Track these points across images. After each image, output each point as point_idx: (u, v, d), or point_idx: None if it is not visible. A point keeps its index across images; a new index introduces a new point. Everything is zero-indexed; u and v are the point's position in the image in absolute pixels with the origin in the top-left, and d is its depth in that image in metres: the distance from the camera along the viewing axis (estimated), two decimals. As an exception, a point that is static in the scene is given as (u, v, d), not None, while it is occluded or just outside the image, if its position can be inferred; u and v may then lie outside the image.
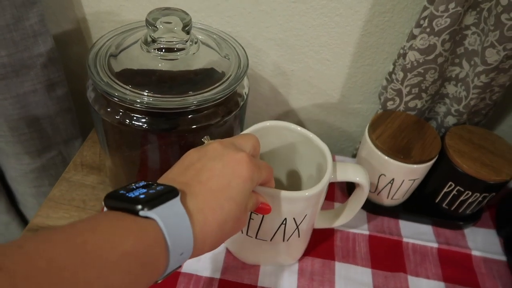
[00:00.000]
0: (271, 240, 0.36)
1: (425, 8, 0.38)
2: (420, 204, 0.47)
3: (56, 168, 0.56)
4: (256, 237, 0.37)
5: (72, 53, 0.54)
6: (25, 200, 0.59)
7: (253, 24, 0.46)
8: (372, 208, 0.47)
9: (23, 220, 0.65)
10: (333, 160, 0.47)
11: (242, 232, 0.37)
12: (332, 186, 0.50)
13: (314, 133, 0.37)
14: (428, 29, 0.39)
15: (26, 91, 0.46)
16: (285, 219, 0.34)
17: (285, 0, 0.44)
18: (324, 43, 0.47)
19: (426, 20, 0.38)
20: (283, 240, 0.37)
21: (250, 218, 0.35)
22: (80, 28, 0.51)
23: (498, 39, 0.36)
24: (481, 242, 0.46)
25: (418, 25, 0.40)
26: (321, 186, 0.33)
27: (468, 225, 0.47)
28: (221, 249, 0.42)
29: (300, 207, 0.34)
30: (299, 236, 0.37)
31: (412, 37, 0.41)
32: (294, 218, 0.34)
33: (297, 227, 0.35)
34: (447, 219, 0.46)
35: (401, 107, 0.46)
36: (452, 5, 0.37)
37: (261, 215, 0.34)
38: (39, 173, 0.55)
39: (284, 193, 0.32)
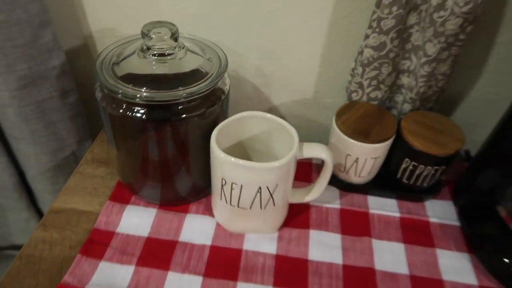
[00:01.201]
0: (250, 208, 0.44)
1: (374, 12, 0.46)
2: (385, 181, 0.54)
3: (70, 167, 0.63)
4: (238, 206, 0.44)
5: (80, 66, 0.62)
6: (43, 197, 0.67)
7: (234, 32, 0.54)
8: (343, 186, 0.54)
9: (42, 217, 0.72)
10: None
11: (227, 203, 0.44)
12: (309, 169, 0.58)
13: (294, 126, 0.44)
14: (377, 29, 0.46)
15: (44, 98, 0.55)
16: (260, 187, 0.41)
17: (260, 10, 0.52)
18: (296, 45, 0.55)
19: (375, 22, 0.46)
20: (261, 208, 0.44)
21: (231, 189, 0.42)
22: (87, 44, 0.60)
23: (434, 34, 0.44)
24: (439, 211, 0.53)
25: (370, 26, 0.47)
26: (288, 158, 0.40)
27: (428, 197, 0.54)
28: (211, 223, 0.49)
29: (271, 176, 0.41)
30: (274, 205, 0.44)
31: (366, 37, 0.48)
32: (267, 187, 0.42)
33: (271, 195, 0.43)
34: (409, 192, 0.53)
35: (364, 98, 0.54)
36: (394, 8, 0.44)
37: (240, 185, 0.41)
38: (55, 171, 0.62)
39: (258, 164, 0.40)
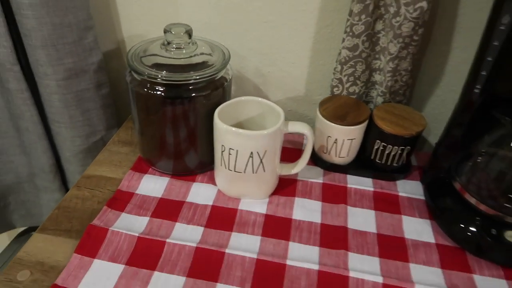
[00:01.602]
0: (244, 171, 0.54)
1: (347, 20, 0.58)
2: (363, 163, 0.64)
3: (98, 150, 0.74)
4: (234, 170, 0.54)
5: (112, 67, 0.75)
6: (74, 178, 0.78)
7: (238, 38, 0.67)
8: (327, 166, 0.64)
9: (70, 199, 0.83)
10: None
11: (226, 167, 0.54)
12: (299, 155, 0.67)
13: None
14: (351, 33, 0.58)
15: (83, 89, 0.67)
16: (251, 152, 0.52)
17: (259, 20, 0.64)
18: (289, 50, 0.66)
19: (349, 27, 0.58)
20: (253, 172, 0.54)
21: (229, 154, 0.53)
22: (119, 48, 0.73)
23: (393, 36, 0.55)
24: (408, 188, 0.61)
25: (345, 31, 0.59)
26: (274, 128, 0.51)
27: (400, 177, 0.63)
28: (213, 190, 0.59)
29: (260, 143, 0.51)
30: (264, 171, 0.54)
31: (343, 40, 0.60)
32: (257, 152, 0.52)
33: (261, 160, 0.53)
34: (383, 172, 0.62)
35: (344, 92, 0.64)
36: (363, 16, 0.56)
37: (236, 150, 0.52)
38: (86, 153, 0.74)
39: (250, 132, 0.50)
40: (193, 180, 0.61)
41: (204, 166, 0.62)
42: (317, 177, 0.63)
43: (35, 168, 0.78)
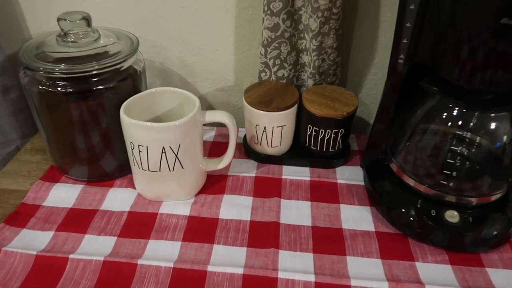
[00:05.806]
0: (160, 170, 0.48)
1: (265, -3, 0.53)
2: (299, 151, 0.59)
3: (16, 163, 0.67)
4: (148, 170, 0.48)
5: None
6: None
7: (155, 28, 0.61)
8: (261, 159, 0.59)
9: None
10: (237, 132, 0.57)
11: (139, 167, 0.49)
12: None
13: None
14: (269, 12, 0.53)
15: (-16, 95, 0.60)
16: (164, 148, 0.46)
17: (175, 6, 0.59)
18: (211, 37, 0.61)
19: (266, 5, 0.53)
20: (170, 170, 0.48)
21: (139, 151, 0.47)
22: (29, 48, 0.66)
23: (312, 10, 0.51)
24: (348, 175, 0.57)
25: (264, 10, 0.54)
26: (187, 118, 0.45)
27: (339, 163, 0.58)
28: (132, 193, 0.53)
29: (171, 136, 0.46)
30: (183, 168, 0.49)
31: (263, 20, 0.55)
32: (170, 147, 0.46)
33: (176, 156, 0.47)
34: (320, 159, 0.58)
35: (273, 77, 0.59)
36: (280, -8, 0.51)
37: (146, 147, 0.46)
38: (1, 166, 0.66)
39: (157, 124, 0.45)
40: (111, 185, 0.55)
41: (123, 169, 0.56)
42: (249, 170, 0.58)
43: None
